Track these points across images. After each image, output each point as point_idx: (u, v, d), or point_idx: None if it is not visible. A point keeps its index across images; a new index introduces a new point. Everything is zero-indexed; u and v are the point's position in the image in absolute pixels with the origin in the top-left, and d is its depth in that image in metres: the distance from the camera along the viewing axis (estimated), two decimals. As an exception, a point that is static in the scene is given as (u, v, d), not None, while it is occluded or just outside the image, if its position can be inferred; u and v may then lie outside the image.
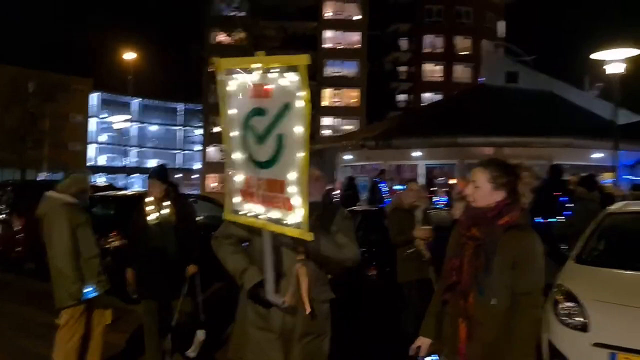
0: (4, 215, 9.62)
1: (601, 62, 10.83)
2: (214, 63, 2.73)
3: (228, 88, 2.73)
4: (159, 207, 4.70)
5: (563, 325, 3.97)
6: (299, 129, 2.35)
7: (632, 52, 9.73)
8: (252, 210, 2.66)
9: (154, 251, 4.66)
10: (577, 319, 3.95)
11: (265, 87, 2.51)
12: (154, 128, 59.33)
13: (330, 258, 2.69)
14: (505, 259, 2.45)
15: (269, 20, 43.23)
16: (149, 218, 4.67)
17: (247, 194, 2.69)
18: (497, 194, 2.53)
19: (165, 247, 4.67)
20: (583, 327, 3.89)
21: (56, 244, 4.10)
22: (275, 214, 2.52)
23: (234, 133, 2.73)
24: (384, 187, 11.77)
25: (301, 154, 2.35)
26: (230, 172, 2.77)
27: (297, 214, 2.40)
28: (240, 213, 2.74)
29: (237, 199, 2.75)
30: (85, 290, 4.11)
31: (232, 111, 2.73)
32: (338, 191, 13.73)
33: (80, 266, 4.10)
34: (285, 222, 2.47)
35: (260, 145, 2.56)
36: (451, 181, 13.72)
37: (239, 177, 2.73)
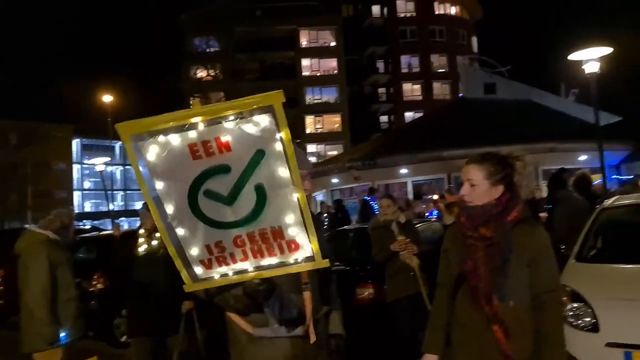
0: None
1: (576, 66, 10.92)
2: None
3: (148, 157, 2.07)
4: (150, 239, 4.50)
5: (572, 327, 3.80)
6: (283, 172, 2.03)
7: (605, 50, 9.80)
8: (230, 270, 2.27)
9: (143, 284, 4.43)
10: (586, 319, 3.79)
11: (221, 140, 2.01)
12: (138, 169, 58.99)
13: None
14: (521, 257, 2.29)
15: (245, 52, 43.65)
16: (138, 250, 4.47)
17: (215, 260, 2.25)
18: (496, 190, 2.37)
19: (153, 280, 4.43)
20: (593, 328, 3.73)
21: (32, 283, 3.87)
22: (271, 260, 2.23)
23: (171, 208, 2.15)
24: (374, 205, 11.62)
25: (296, 196, 2.07)
26: (173, 247, 2.23)
27: (305, 249, 2.17)
28: (209, 279, 2.30)
29: (199, 270, 2.27)
30: (60, 335, 3.86)
31: (161, 184, 2.11)
32: (326, 214, 13.58)
33: (55, 308, 3.86)
34: (289, 262, 2.21)
35: (231, 207, 2.13)
36: (435, 196, 13.69)
37: (195, 250, 2.22)
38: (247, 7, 45.23)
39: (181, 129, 2.02)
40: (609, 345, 3.60)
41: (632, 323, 3.62)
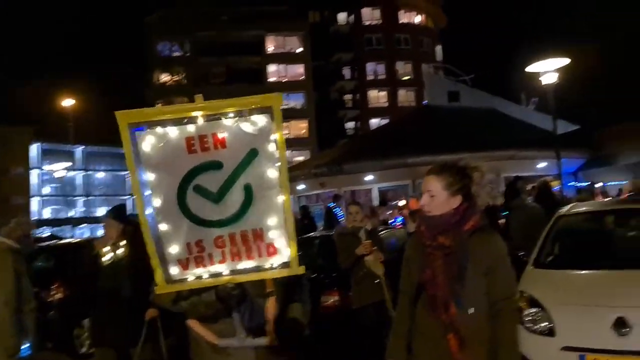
0: None
1: (535, 76, 11.28)
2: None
3: (144, 148, 2.12)
4: (115, 248, 4.44)
5: (529, 332, 3.92)
6: (272, 174, 2.11)
7: (563, 61, 10.16)
8: (205, 272, 2.30)
9: (107, 293, 4.37)
10: (542, 324, 3.91)
11: (218, 136, 2.09)
12: (100, 175, 57.56)
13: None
14: (478, 266, 2.35)
15: (212, 56, 43.31)
16: (103, 259, 4.40)
17: (193, 260, 2.27)
18: (454, 200, 2.43)
19: (117, 289, 4.37)
20: (550, 332, 3.86)
21: None
22: (248, 264, 2.26)
23: (159, 201, 2.18)
24: (339, 212, 11.67)
25: (281, 198, 2.13)
26: (153, 243, 2.25)
27: (283, 254, 2.22)
28: (183, 280, 2.31)
29: (174, 270, 2.29)
30: (22, 347, 3.75)
31: (152, 176, 2.15)
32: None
33: (20, 319, 3.77)
34: (264, 267, 2.25)
35: (217, 205, 2.17)
36: (401, 202, 13.89)
37: (174, 248, 2.25)
38: (214, 11, 44.95)
39: (180, 122, 2.09)
40: (565, 349, 3.73)
41: (586, 327, 3.76)
